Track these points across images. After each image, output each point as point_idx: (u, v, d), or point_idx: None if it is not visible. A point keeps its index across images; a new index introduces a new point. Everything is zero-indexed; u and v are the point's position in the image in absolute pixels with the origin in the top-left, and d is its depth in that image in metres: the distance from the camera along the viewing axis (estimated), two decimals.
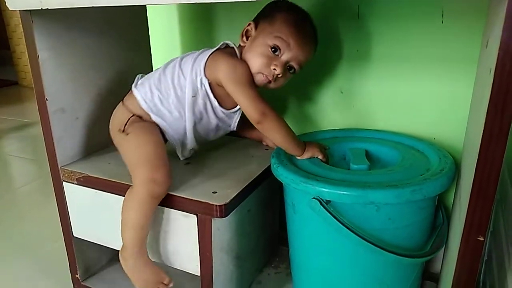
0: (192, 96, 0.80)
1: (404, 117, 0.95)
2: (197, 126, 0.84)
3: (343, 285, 0.82)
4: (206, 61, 0.79)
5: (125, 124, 0.80)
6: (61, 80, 0.84)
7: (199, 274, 0.80)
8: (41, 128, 0.85)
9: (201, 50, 0.83)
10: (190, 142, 0.85)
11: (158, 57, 1.12)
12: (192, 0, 0.57)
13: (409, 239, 0.76)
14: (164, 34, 1.16)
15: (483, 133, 0.49)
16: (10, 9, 0.74)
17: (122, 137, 0.80)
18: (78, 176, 0.86)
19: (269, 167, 0.86)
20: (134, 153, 0.77)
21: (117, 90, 0.95)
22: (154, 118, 0.82)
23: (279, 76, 0.80)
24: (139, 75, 0.87)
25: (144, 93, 0.82)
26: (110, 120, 0.86)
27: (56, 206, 0.92)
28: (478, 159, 0.51)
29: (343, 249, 0.76)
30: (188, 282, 0.94)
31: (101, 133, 0.93)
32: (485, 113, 0.48)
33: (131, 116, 0.81)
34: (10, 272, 1.13)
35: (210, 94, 0.80)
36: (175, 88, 0.80)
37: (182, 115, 0.82)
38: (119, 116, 0.83)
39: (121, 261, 0.79)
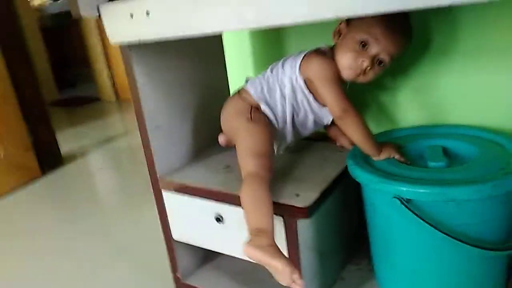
0: (292, 92, 0.90)
1: (480, 110, 0.95)
2: (295, 120, 0.94)
3: (429, 280, 0.84)
4: (301, 61, 0.89)
5: (250, 112, 0.90)
6: (156, 100, 0.95)
7: None
8: (141, 143, 0.96)
9: (298, 52, 0.92)
10: (289, 135, 0.95)
11: (233, 73, 1.21)
12: (273, 22, 0.64)
13: (492, 233, 0.78)
14: (236, 51, 1.25)
15: None
16: (111, 43, 0.86)
17: (245, 124, 0.89)
18: (176, 185, 0.96)
19: (346, 168, 0.90)
20: (250, 140, 0.87)
21: (202, 105, 1.06)
22: (263, 107, 0.92)
23: (368, 69, 0.85)
24: (247, 77, 1.00)
25: (255, 87, 0.93)
26: (225, 110, 0.97)
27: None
28: None
29: (426, 245, 0.79)
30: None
31: (191, 145, 1.04)
32: None
33: (253, 107, 0.92)
34: (115, 273, 1.28)
35: (305, 90, 0.90)
36: (279, 84, 0.91)
37: (284, 108, 0.92)
38: (238, 106, 0.93)
39: (247, 252, 0.74)
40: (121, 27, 0.81)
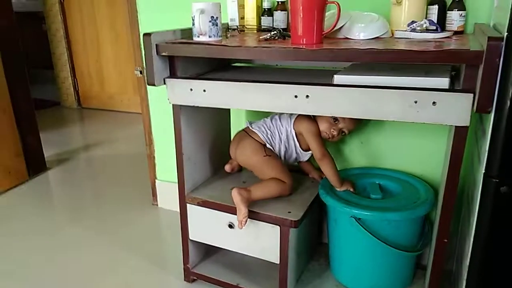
0: (286, 138, 1.36)
1: (403, 160, 1.46)
2: (286, 155, 1.39)
3: (367, 269, 1.32)
4: (295, 120, 1.34)
5: (265, 151, 1.34)
6: (189, 140, 1.35)
7: (278, 263, 1.29)
8: (177, 171, 1.35)
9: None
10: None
11: (233, 119, 1.63)
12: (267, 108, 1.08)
13: (407, 240, 1.27)
14: None
15: (446, 180, 0.99)
16: (171, 103, 1.24)
17: (265, 159, 1.34)
18: (199, 200, 1.36)
19: (317, 195, 1.36)
20: (276, 169, 1.33)
21: (214, 141, 1.48)
22: (268, 146, 1.36)
23: (336, 135, 1.33)
24: (248, 121, 1.42)
25: (262, 132, 1.37)
26: (240, 148, 1.39)
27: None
28: (443, 198, 1.01)
29: (368, 247, 1.27)
30: (263, 269, 1.45)
31: (207, 170, 1.45)
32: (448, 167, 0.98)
33: (264, 145, 1.35)
34: (128, 265, 1.62)
35: (295, 138, 1.36)
36: (278, 132, 1.37)
37: (280, 147, 1.37)
38: (253, 146, 1.36)
39: (241, 196, 1.24)
40: (182, 95, 1.20)
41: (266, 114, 1.47)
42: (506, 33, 0.78)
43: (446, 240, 1.06)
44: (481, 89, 0.84)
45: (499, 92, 0.82)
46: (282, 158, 1.40)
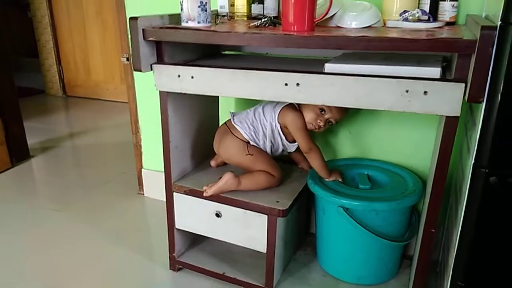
0: (271, 132, 1.32)
1: (392, 151, 1.46)
2: (272, 148, 1.36)
3: (354, 259, 1.32)
4: (279, 113, 1.30)
5: (247, 149, 1.31)
6: (176, 128, 1.32)
7: (265, 252, 1.28)
8: (163, 159, 1.32)
9: (275, 103, 1.33)
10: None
11: (222, 108, 1.60)
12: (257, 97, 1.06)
13: (395, 231, 1.27)
14: None
15: (435, 170, 0.99)
16: (157, 89, 1.22)
17: (247, 157, 1.31)
18: (186, 189, 1.34)
19: (305, 185, 1.35)
20: (262, 164, 1.31)
21: (201, 129, 1.45)
22: (252, 143, 1.33)
23: (322, 126, 1.30)
24: (232, 112, 1.38)
25: (244, 128, 1.32)
26: (223, 147, 1.35)
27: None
28: (432, 188, 1.01)
29: (356, 237, 1.27)
30: (249, 258, 1.44)
31: (194, 159, 1.43)
32: (437, 157, 0.98)
33: (247, 143, 1.32)
34: (113, 255, 1.59)
35: (280, 132, 1.32)
36: (262, 127, 1.32)
37: (265, 141, 1.33)
38: (236, 145, 1.32)
39: (233, 180, 1.26)
40: (169, 82, 1.17)
41: (255, 102, 1.45)
42: (499, 22, 0.78)
43: (433, 230, 1.07)
44: (473, 79, 0.84)
45: (491, 81, 0.82)
46: (269, 152, 1.36)
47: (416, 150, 1.42)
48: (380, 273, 1.35)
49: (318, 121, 1.29)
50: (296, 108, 1.32)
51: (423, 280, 1.13)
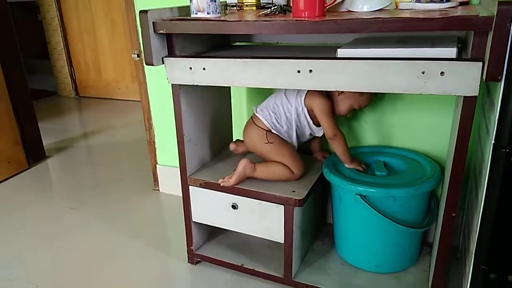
0: (296, 117, 1.30)
1: (410, 138, 1.43)
2: (298, 133, 1.34)
3: (372, 247, 1.31)
4: (306, 95, 1.28)
5: (267, 137, 1.30)
6: (190, 121, 1.32)
7: (283, 242, 1.28)
8: (178, 152, 1.32)
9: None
10: (295, 142, 1.35)
11: (234, 99, 1.60)
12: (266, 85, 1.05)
13: (413, 217, 1.26)
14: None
15: (454, 152, 0.97)
16: (170, 83, 1.21)
17: (268, 146, 1.30)
18: (201, 182, 1.34)
19: (321, 174, 1.34)
20: (283, 157, 1.30)
21: (215, 123, 1.45)
22: (274, 131, 1.31)
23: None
24: (255, 106, 1.36)
25: (265, 116, 1.31)
26: (248, 137, 1.36)
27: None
28: (451, 169, 0.99)
29: (374, 225, 1.25)
30: (267, 249, 1.44)
31: (209, 152, 1.43)
32: (456, 139, 0.96)
33: (267, 131, 1.30)
34: (130, 250, 1.60)
35: (307, 115, 1.30)
36: (285, 112, 1.31)
37: (289, 127, 1.32)
38: (257, 133, 1.32)
39: (250, 165, 1.28)
40: (181, 74, 1.17)
41: (267, 93, 1.44)
42: None
43: (454, 214, 1.05)
44: (490, 57, 0.82)
45: (509, 59, 0.80)
46: (294, 139, 1.34)
47: (433, 135, 1.39)
48: (399, 261, 1.33)
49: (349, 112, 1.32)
50: (323, 92, 1.30)
51: (444, 265, 1.12)
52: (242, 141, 1.45)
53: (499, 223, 0.90)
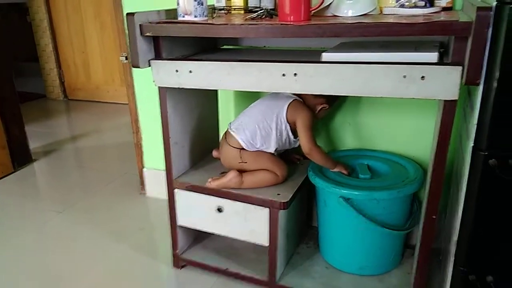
0: (279, 135, 1.29)
1: (391, 141, 1.45)
2: (278, 148, 1.32)
3: (356, 250, 1.32)
4: (287, 112, 1.28)
5: (240, 157, 1.29)
6: (176, 124, 1.32)
7: (267, 245, 1.28)
8: (164, 155, 1.32)
9: (273, 100, 1.31)
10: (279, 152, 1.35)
11: (221, 103, 1.61)
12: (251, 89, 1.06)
13: (396, 220, 1.27)
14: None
15: (435, 155, 0.99)
16: (156, 85, 1.22)
17: (242, 164, 1.30)
18: (187, 185, 1.34)
19: (306, 177, 1.35)
20: (263, 164, 1.29)
21: (201, 126, 1.46)
22: (249, 149, 1.30)
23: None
24: (230, 123, 1.35)
25: (240, 135, 1.30)
26: (222, 156, 1.35)
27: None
28: (432, 172, 1.01)
29: (357, 227, 1.27)
30: (252, 253, 1.44)
31: (194, 155, 1.43)
32: (436, 143, 0.98)
33: (240, 150, 1.30)
34: (116, 254, 1.59)
35: (289, 131, 1.30)
36: (261, 131, 1.29)
37: (265, 145, 1.30)
38: (230, 153, 1.31)
39: (236, 179, 1.27)
40: (167, 77, 1.18)
41: (254, 97, 1.45)
42: (495, 2, 0.77)
43: (434, 217, 1.06)
44: (470, 61, 0.84)
45: (488, 63, 0.82)
46: (273, 152, 1.32)
47: (416, 139, 1.41)
48: (383, 263, 1.34)
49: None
50: (303, 104, 1.30)
51: (426, 267, 1.13)
52: None
53: (478, 225, 0.92)
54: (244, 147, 1.30)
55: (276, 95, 1.33)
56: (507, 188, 0.86)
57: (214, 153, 1.47)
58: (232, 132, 1.32)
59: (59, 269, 1.51)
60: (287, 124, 1.29)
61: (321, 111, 1.33)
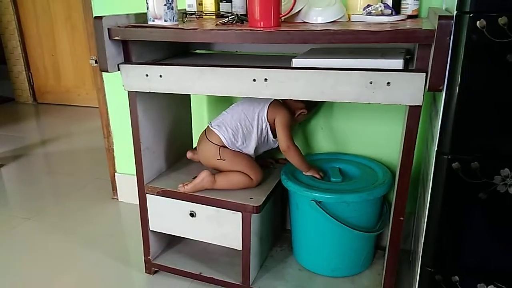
0: (259, 134, 1.31)
1: (363, 145, 1.48)
2: (257, 148, 1.34)
3: (329, 252, 1.34)
4: (267, 111, 1.30)
5: (220, 154, 1.30)
6: (147, 129, 1.31)
7: (241, 249, 1.29)
8: (135, 160, 1.31)
9: (255, 100, 1.32)
10: (252, 155, 1.35)
11: (194, 108, 1.60)
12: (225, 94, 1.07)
13: (367, 222, 1.29)
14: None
15: (401, 158, 1.01)
16: (126, 89, 1.20)
17: (220, 161, 1.30)
18: (159, 190, 1.33)
19: (279, 181, 1.36)
20: (239, 166, 1.30)
21: (173, 131, 1.44)
22: (230, 147, 1.31)
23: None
24: (210, 122, 1.36)
25: (222, 132, 1.30)
26: (201, 153, 1.35)
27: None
28: (398, 175, 1.04)
29: (329, 230, 1.28)
30: (226, 257, 1.44)
31: (166, 160, 1.42)
32: (402, 146, 1.00)
33: (220, 147, 1.30)
34: (87, 261, 1.57)
35: (269, 130, 1.32)
36: (242, 128, 1.30)
37: (246, 143, 1.32)
38: (210, 149, 1.32)
39: (209, 178, 1.27)
40: (137, 81, 1.17)
41: (228, 102, 1.45)
42: (455, 12, 0.80)
43: (402, 218, 1.09)
44: (432, 68, 0.86)
45: (450, 70, 0.84)
46: (252, 152, 1.34)
47: (386, 142, 1.44)
48: (355, 265, 1.37)
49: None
50: (281, 104, 1.33)
51: (395, 267, 1.15)
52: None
53: (443, 227, 0.94)
54: (225, 144, 1.31)
55: None
56: (470, 191, 0.89)
57: (189, 154, 1.46)
58: (213, 129, 1.33)
59: (27, 277, 1.48)
60: (268, 123, 1.31)
61: (300, 115, 1.37)
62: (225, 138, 1.31)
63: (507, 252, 0.92)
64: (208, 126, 1.36)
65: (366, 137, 1.47)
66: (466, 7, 0.78)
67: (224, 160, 1.31)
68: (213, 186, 1.28)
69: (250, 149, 1.34)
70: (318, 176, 1.33)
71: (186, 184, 1.29)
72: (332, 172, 1.36)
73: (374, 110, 1.42)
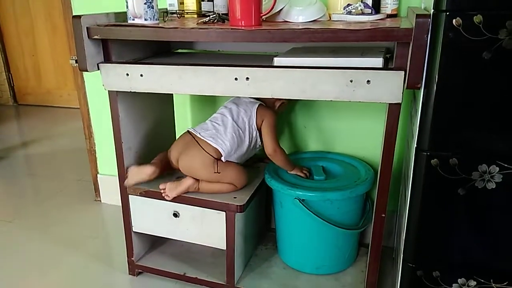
0: (250, 142, 1.30)
1: (346, 143, 1.49)
2: (246, 155, 1.33)
3: (313, 249, 1.34)
4: (256, 118, 1.29)
5: (217, 167, 1.25)
6: (129, 129, 1.30)
7: (225, 248, 1.28)
8: (116, 160, 1.30)
9: (240, 106, 1.31)
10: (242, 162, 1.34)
11: (177, 107, 1.59)
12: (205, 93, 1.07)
13: (350, 219, 1.30)
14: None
15: (382, 156, 1.02)
16: (106, 89, 1.19)
17: (215, 175, 1.25)
18: (141, 191, 1.32)
19: (262, 180, 1.36)
20: (228, 178, 1.26)
21: (156, 131, 1.44)
22: (226, 159, 1.27)
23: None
24: (194, 129, 1.31)
25: (221, 145, 1.25)
26: (188, 160, 1.26)
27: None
28: (379, 173, 1.05)
29: (313, 228, 1.29)
30: (210, 257, 1.44)
31: (150, 159, 1.40)
32: (383, 144, 1.01)
33: (217, 160, 1.26)
34: (70, 263, 1.55)
35: (258, 138, 1.32)
36: (237, 140, 1.27)
37: (237, 152, 1.29)
38: (204, 160, 1.25)
39: (194, 186, 1.26)
40: (118, 81, 1.15)
41: (210, 101, 1.44)
42: (432, 10, 0.81)
43: (383, 215, 1.10)
44: (411, 66, 0.87)
45: (428, 68, 0.85)
46: (241, 161, 1.33)
47: (369, 140, 1.46)
48: (339, 262, 1.38)
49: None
50: (267, 107, 1.33)
51: (377, 264, 1.17)
52: (159, 160, 1.35)
53: (423, 223, 0.96)
54: (223, 158, 1.27)
55: (238, 100, 1.34)
56: (449, 187, 0.90)
57: (152, 168, 1.32)
58: (208, 141, 1.26)
59: (9, 280, 1.45)
60: (257, 131, 1.31)
61: (280, 106, 1.37)
62: (224, 151, 1.26)
63: (486, 247, 0.94)
64: (198, 136, 1.28)
65: (350, 136, 1.48)
66: (443, 5, 0.79)
67: (219, 173, 1.26)
68: (196, 191, 1.28)
69: (240, 157, 1.32)
70: (301, 175, 1.34)
71: (170, 189, 1.26)
72: (315, 170, 1.37)
73: (357, 108, 1.43)
